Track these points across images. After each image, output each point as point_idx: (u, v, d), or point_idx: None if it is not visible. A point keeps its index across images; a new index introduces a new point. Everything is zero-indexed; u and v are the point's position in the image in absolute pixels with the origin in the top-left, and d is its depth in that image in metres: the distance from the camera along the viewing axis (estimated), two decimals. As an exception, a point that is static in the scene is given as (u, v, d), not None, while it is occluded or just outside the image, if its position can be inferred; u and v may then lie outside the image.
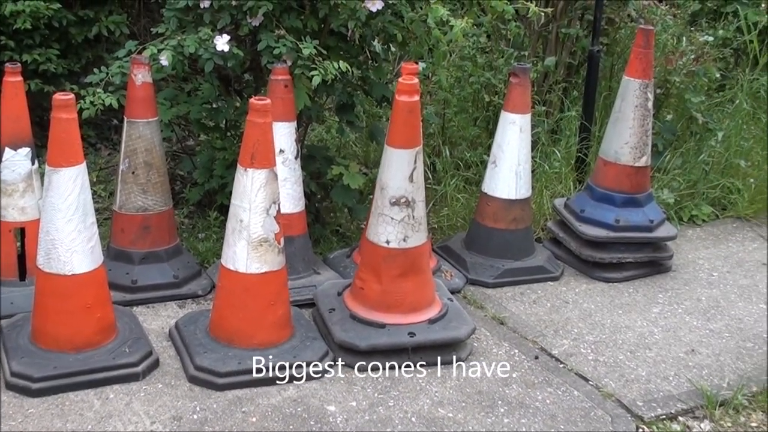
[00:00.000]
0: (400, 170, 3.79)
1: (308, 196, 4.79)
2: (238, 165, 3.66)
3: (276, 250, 3.72)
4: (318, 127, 5.85)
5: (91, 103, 4.11)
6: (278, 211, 3.70)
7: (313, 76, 4.09)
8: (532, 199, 4.82)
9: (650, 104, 4.75)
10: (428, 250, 4.00)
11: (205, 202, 5.04)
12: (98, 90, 4.17)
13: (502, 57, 5.70)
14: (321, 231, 4.91)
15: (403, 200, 3.81)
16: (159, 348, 3.90)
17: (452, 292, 4.45)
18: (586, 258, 4.80)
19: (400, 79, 3.72)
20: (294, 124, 4.28)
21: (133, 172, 4.26)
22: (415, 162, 3.79)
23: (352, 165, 4.66)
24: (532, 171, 5.33)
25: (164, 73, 4.37)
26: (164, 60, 4.12)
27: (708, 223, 5.64)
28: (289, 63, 4.22)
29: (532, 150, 5.39)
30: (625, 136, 4.75)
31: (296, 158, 4.29)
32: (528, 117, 4.61)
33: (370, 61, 4.78)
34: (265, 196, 3.64)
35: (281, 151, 4.23)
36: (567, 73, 6.11)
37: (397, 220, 3.83)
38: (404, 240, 3.86)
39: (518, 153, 4.61)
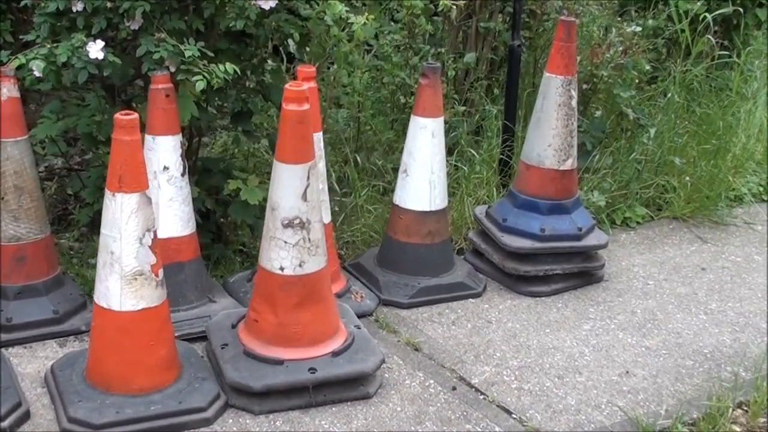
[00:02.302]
0: (292, 188, 3.37)
1: (207, 213, 4.36)
2: (106, 190, 3.22)
3: (153, 284, 3.28)
4: (224, 136, 5.39)
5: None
6: (154, 238, 3.26)
7: (197, 81, 3.64)
8: (449, 209, 4.41)
9: (574, 102, 4.37)
10: (328, 275, 3.58)
11: (96, 223, 4.56)
12: (-38, 106, 3.72)
13: (417, 55, 5.28)
14: (222, 251, 4.48)
15: (296, 221, 3.39)
16: (32, 396, 3.47)
17: (363, 316, 4.07)
18: (510, 271, 4.41)
19: (286, 86, 3.30)
20: (179, 137, 3.84)
21: (2, 198, 3.79)
22: (308, 178, 3.37)
23: (251, 178, 4.23)
24: (452, 175, 4.94)
25: (37, 86, 3.89)
26: (36, 71, 3.66)
27: (643, 226, 5.29)
28: (173, 69, 3.77)
29: (451, 154, 5.02)
30: (548, 137, 4.37)
31: (183, 175, 3.85)
32: (440, 121, 4.21)
33: (266, 64, 4.34)
34: (137, 224, 3.21)
35: (165, 168, 3.80)
36: (489, 69, 5.72)
37: (291, 244, 3.41)
38: (300, 266, 3.44)
39: (431, 160, 4.21)
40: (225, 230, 4.60)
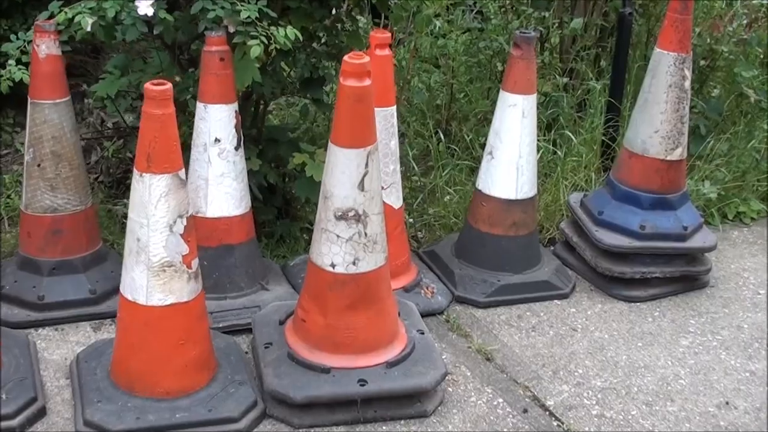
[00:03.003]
0: (347, 175, 2.86)
1: (272, 186, 3.89)
2: (134, 169, 2.76)
3: (185, 277, 2.83)
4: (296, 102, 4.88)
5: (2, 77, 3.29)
6: (188, 225, 2.79)
7: (252, 46, 3.15)
8: (540, 194, 3.84)
9: (688, 83, 3.74)
10: (387, 274, 3.07)
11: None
12: (10, 62, 3.34)
13: (518, 18, 4.69)
14: (288, 228, 4.02)
15: (351, 213, 2.88)
16: (53, 389, 3.08)
17: (432, 314, 3.56)
18: (603, 271, 3.83)
19: (345, 57, 2.77)
20: (234, 106, 3.36)
21: (38, 165, 3.38)
22: (367, 165, 2.85)
23: (319, 152, 3.73)
24: (547, 156, 4.36)
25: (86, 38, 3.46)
26: (88, 26, 3.23)
27: (758, 222, 4.63)
28: (233, 29, 3.29)
29: (549, 130, 4.42)
30: (656, 122, 3.75)
31: (237, 149, 3.37)
32: (533, 98, 3.64)
33: (342, 24, 3.81)
34: (167, 209, 2.75)
35: (217, 140, 3.33)
36: (598, 37, 5.08)
37: (344, 239, 2.91)
38: (354, 263, 2.93)
39: (520, 143, 3.64)
40: (292, 205, 4.13)
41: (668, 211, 3.85)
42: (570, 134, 4.50)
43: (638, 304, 3.82)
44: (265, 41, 3.17)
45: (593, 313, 3.72)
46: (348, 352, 3.00)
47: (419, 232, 4.26)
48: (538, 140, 4.38)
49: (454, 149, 4.60)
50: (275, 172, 3.84)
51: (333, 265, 2.95)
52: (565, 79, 4.82)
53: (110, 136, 4.61)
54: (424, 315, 3.53)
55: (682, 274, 3.89)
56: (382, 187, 3.44)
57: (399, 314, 3.24)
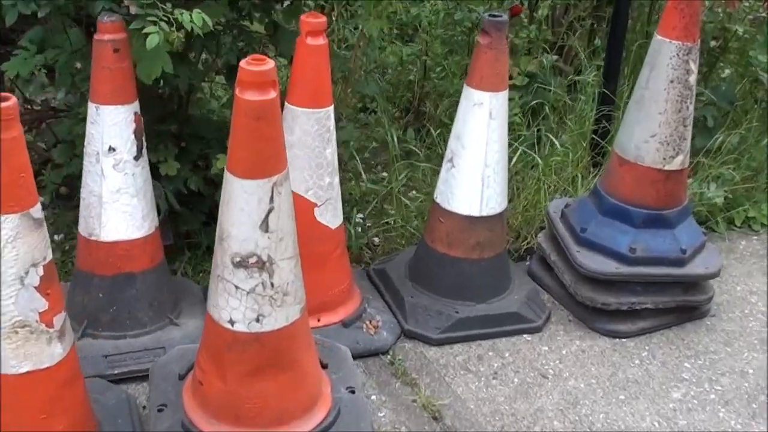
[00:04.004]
0: (247, 213, 2.19)
1: (194, 192, 3.23)
2: (-30, 205, 2.09)
3: (45, 338, 2.19)
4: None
5: None
6: (45, 275, 2.14)
7: (150, 35, 2.47)
8: (511, 206, 3.16)
9: (693, 79, 3.03)
10: (303, 329, 2.41)
11: (73, 190, 3.50)
12: None
13: (501, -14, 3.98)
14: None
15: (252, 260, 2.22)
16: None
17: (375, 354, 2.90)
18: (584, 301, 3.17)
19: (242, 63, 2.08)
20: (133, 107, 2.70)
21: None
22: (273, 199, 2.18)
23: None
24: (522, 160, 3.68)
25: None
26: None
27: (769, 229, 3.93)
28: (134, 10, 2.60)
29: (535, 116, 3.73)
30: (653, 124, 3.06)
31: (137, 158, 2.70)
32: (503, 96, 2.94)
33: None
34: (16, 257, 2.09)
35: (111, 149, 2.68)
36: (596, 5, 4.35)
37: (244, 291, 2.25)
38: (257, 320, 2.28)
39: (486, 150, 2.96)
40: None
41: (664, 230, 3.17)
42: (554, 126, 3.80)
43: (624, 340, 3.16)
44: (166, 27, 2.49)
45: (569, 353, 3.06)
46: (253, 425, 2.37)
47: (375, 238, 3.59)
48: (518, 131, 3.69)
49: (424, 137, 3.91)
50: (198, 176, 3.17)
51: (232, 322, 2.29)
52: (554, 57, 4.10)
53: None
54: (366, 355, 2.90)
55: (679, 305, 3.22)
56: (316, 205, 2.78)
57: (326, 366, 2.60)
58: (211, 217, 3.36)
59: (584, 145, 3.81)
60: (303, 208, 2.80)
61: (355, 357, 2.84)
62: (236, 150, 2.16)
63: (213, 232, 3.19)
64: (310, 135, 2.76)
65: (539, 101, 3.92)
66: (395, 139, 3.66)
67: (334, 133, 2.82)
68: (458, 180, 3.02)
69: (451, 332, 3.04)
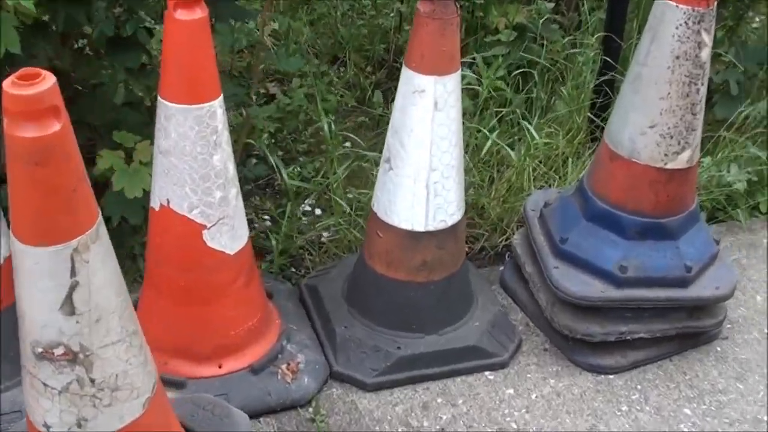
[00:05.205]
0: (42, 291, 1.48)
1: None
2: None
3: None
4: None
5: None
6: None
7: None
8: (464, 223, 2.42)
9: (706, 53, 2.25)
10: (153, 426, 1.72)
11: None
12: None
13: None
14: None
15: (59, 351, 1.52)
16: None
17: (293, 407, 2.22)
18: (562, 330, 2.44)
19: (5, 84, 1.35)
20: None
21: None
22: (75, 271, 1.48)
23: (141, 148, 2.35)
24: (513, 127, 2.92)
25: None
26: None
27: (800, 217, 3.16)
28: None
29: (526, 83, 2.97)
30: (653, 112, 2.29)
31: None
32: (453, 80, 2.19)
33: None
34: None
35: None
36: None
37: (55, 390, 1.55)
38: (79, 425, 1.59)
39: (431, 149, 2.21)
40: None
41: (664, 242, 2.43)
42: (544, 95, 3.03)
43: (611, 377, 2.45)
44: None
45: (540, 398, 2.37)
46: None
47: (325, 233, 2.88)
48: (500, 101, 2.93)
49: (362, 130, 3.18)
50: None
51: (47, 426, 1.61)
52: (550, 5, 3.30)
53: None
54: (280, 410, 2.22)
55: (681, 332, 2.49)
56: (204, 226, 2.08)
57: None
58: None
59: (580, 120, 3.02)
60: (188, 232, 2.11)
61: (266, 413, 2.18)
62: (15, 207, 1.44)
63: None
64: (189, 139, 2.03)
65: (530, 58, 3.13)
66: (330, 126, 2.88)
67: (225, 133, 2.09)
68: (398, 186, 2.28)
69: (391, 374, 2.35)
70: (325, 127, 2.75)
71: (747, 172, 3.00)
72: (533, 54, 3.11)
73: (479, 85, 3.10)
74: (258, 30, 2.88)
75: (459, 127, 2.26)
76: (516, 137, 3.06)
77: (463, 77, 3.15)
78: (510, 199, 2.94)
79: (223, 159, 2.11)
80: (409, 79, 2.19)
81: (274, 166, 2.69)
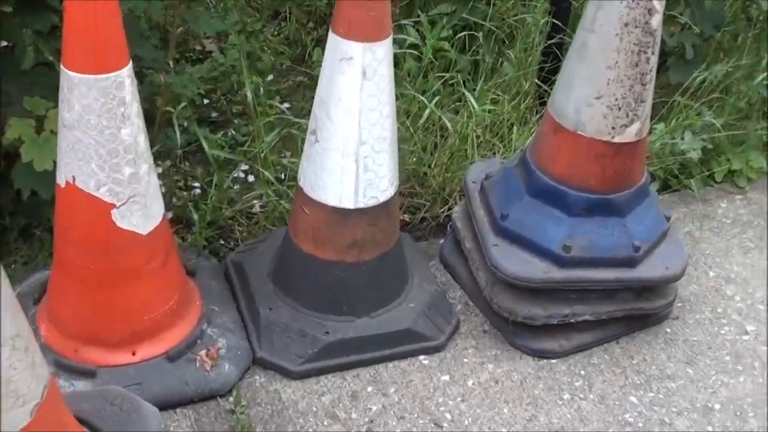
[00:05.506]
0: None
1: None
2: None
3: None
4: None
5: None
6: None
7: None
8: (397, 199, 2.25)
9: (656, 20, 2.08)
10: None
11: None
12: None
13: None
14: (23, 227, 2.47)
15: None
16: None
17: (212, 397, 2.06)
18: (502, 312, 2.29)
19: None
20: None
21: None
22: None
23: (51, 115, 2.15)
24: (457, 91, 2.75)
25: None
26: None
27: (758, 185, 3.01)
28: None
29: (469, 50, 2.80)
30: (599, 82, 2.12)
31: None
32: (383, 47, 2.00)
33: None
34: None
35: None
36: None
37: None
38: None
39: (360, 121, 2.04)
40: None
41: (611, 219, 2.28)
42: (489, 59, 2.84)
43: (554, 362, 2.31)
44: None
45: (476, 386, 2.22)
46: None
47: (256, 201, 2.71)
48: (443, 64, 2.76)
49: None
50: (-15, 142, 2.26)
51: None
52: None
53: None
54: (198, 400, 2.06)
55: (629, 314, 2.35)
56: (113, 205, 1.90)
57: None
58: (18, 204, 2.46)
59: (526, 86, 2.85)
60: (96, 211, 1.93)
61: (184, 404, 2.02)
62: None
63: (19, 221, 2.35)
64: (95, 112, 1.84)
65: (476, 19, 2.95)
66: (259, 91, 2.68)
67: (135, 105, 1.89)
68: (325, 160, 2.10)
69: (318, 361, 2.19)
70: (249, 95, 2.55)
71: (702, 139, 2.85)
72: (480, 14, 2.92)
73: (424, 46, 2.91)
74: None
75: (391, 97, 2.08)
76: (461, 102, 2.88)
77: (405, 39, 2.97)
78: (452, 167, 2.77)
79: (133, 132, 1.92)
80: (336, 46, 2.00)
81: (199, 135, 2.49)
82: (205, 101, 3.12)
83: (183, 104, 2.44)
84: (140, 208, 1.98)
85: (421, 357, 2.28)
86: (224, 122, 3.06)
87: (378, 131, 2.07)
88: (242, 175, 2.86)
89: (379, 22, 1.97)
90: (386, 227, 2.21)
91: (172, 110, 2.45)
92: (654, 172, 2.86)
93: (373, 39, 1.98)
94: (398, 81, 2.87)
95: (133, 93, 1.90)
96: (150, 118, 2.56)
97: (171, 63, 2.40)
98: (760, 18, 3.05)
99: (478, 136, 2.77)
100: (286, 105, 3.15)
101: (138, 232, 1.99)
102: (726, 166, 2.96)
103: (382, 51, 2.00)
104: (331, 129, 2.07)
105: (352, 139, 2.06)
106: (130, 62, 1.88)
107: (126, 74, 1.86)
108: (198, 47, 3.39)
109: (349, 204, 2.12)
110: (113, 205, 1.94)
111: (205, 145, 2.49)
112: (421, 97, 2.70)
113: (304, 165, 2.17)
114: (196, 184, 2.78)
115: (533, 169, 2.31)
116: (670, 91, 2.96)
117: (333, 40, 2.01)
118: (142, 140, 1.96)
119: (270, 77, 3.21)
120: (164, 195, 2.72)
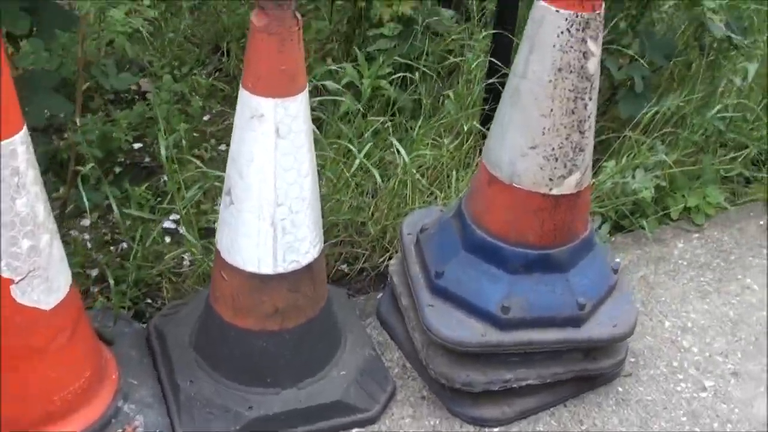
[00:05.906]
0: None
1: None
2: None
3: None
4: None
5: None
6: None
7: None
8: (322, 261, 2.08)
9: (593, 63, 1.93)
10: None
11: None
12: None
13: None
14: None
15: None
16: None
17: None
18: (438, 378, 2.12)
19: None
20: None
21: None
22: None
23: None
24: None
25: None
26: None
27: (715, 221, 2.87)
28: None
29: (409, 88, 2.65)
30: (534, 131, 1.97)
31: None
32: (298, 102, 1.84)
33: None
34: None
35: None
36: None
37: None
38: None
39: (275, 181, 1.87)
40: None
41: (553, 275, 2.12)
42: (428, 98, 2.68)
43: (496, 430, 2.14)
44: None
45: (412, 460, 2.05)
46: None
47: (185, 255, 2.54)
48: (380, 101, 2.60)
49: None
50: None
51: None
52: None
53: None
54: (107, 488, 1.88)
55: (576, 375, 2.19)
56: (11, 281, 1.73)
57: None
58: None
59: (467, 126, 2.69)
60: (-9, 288, 1.75)
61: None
62: None
63: None
64: (-21, 184, 1.66)
65: (417, 54, 2.79)
66: (172, 146, 2.50)
67: (31, 172, 1.72)
68: (240, 223, 1.93)
69: (241, 439, 2.02)
70: (163, 151, 2.37)
71: (655, 176, 2.70)
72: (418, 50, 2.76)
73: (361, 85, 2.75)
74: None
75: (310, 153, 1.91)
76: (402, 141, 2.72)
77: (344, 76, 2.81)
78: (391, 213, 2.61)
79: (30, 202, 1.75)
80: (246, 102, 1.84)
81: (108, 196, 2.31)
82: (138, 145, 2.96)
83: (91, 165, 2.26)
84: (42, 282, 1.81)
85: (354, 430, 2.11)
86: (157, 167, 2.89)
87: (296, 191, 1.91)
88: (173, 225, 2.69)
89: (291, 77, 1.81)
90: (310, 292, 2.04)
91: (82, 168, 2.27)
92: (605, 213, 2.71)
93: (284, 94, 1.81)
94: (334, 122, 2.71)
95: (29, 160, 1.73)
96: (64, 175, 2.39)
97: (78, 120, 2.22)
98: (714, 46, 2.90)
99: (418, 179, 2.60)
100: (222, 147, 2.99)
101: (41, 307, 1.82)
102: (682, 204, 2.81)
103: (296, 106, 1.84)
104: (245, 190, 1.90)
105: (268, 201, 1.89)
106: (24, 127, 1.71)
107: (19, 141, 1.69)
108: (134, 87, 3.23)
109: (267, 269, 1.95)
110: (11, 281, 1.77)
111: (114, 207, 2.31)
112: (351, 146, 2.53)
113: (220, 228, 2.00)
114: (123, 239, 2.61)
115: (468, 222, 2.15)
116: (620, 126, 2.81)
117: (242, 95, 1.84)
118: (41, 209, 1.79)
119: (206, 117, 3.05)
120: (90, 251, 2.56)
